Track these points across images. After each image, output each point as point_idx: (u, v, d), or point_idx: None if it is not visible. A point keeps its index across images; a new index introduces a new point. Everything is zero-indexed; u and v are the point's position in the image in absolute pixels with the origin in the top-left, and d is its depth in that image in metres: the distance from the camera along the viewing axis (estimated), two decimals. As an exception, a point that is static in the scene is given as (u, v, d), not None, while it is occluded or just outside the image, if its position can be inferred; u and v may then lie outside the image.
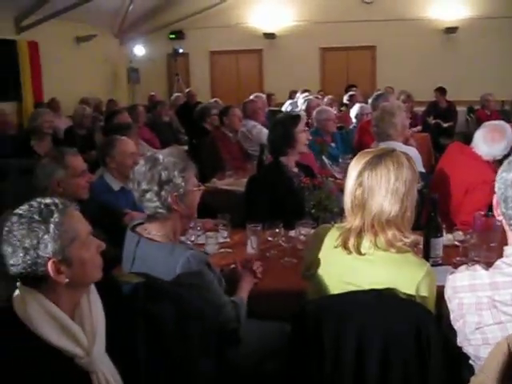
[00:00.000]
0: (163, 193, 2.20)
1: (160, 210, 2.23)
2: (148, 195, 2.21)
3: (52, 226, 1.52)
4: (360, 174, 1.98)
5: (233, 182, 4.82)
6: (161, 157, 2.25)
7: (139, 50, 13.19)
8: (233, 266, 2.69)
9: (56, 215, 1.54)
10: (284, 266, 2.80)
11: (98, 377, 1.59)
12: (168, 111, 7.65)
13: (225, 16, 12.61)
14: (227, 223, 3.16)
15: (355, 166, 2.02)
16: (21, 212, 1.55)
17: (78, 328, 1.58)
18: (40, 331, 1.52)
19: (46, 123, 5.56)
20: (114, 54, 12.90)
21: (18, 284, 1.58)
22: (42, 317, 1.53)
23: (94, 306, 1.65)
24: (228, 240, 3.14)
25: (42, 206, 1.56)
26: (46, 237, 1.51)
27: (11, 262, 1.51)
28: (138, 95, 12.60)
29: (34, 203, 1.57)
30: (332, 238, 2.09)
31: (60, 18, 9.56)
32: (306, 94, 9.05)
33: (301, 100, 8.12)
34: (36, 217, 1.53)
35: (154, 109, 7.61)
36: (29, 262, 1.50)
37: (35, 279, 1.54)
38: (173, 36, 13.31)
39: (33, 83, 9.64)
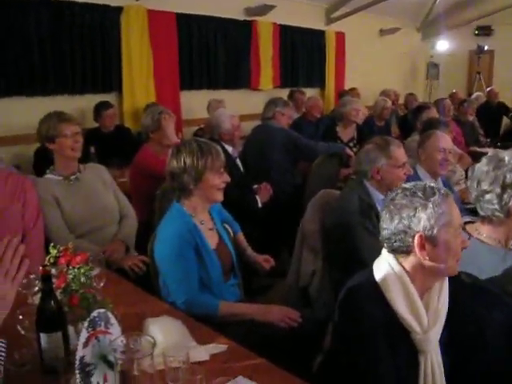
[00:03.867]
0: (505, 196, 2.11)
1: (497, 214, 2.14)
2: (488, 196, 2.14)
3: (431, 204, 1.67)
4: None
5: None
6: (506, 158, 2.15)
7: (441, 45, 12.87)
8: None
9: (437, 197, 1.68)
10: None
11: (426, 358, 1.71)
12: (473, 110, 7.33)
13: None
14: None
15: None
16: (407, 186, 1.74)
17: (423, 309, 1.71)
18: (391, 296, 1.71)
19: (353, 111, 5.79)
20: (415, 48, 12.79)
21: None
22: (396, 287, 1.72)
23: (442, 295, 1.75)
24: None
25: (427, 186, 1.72)
26: (422, 212, 1.67)
27: (384, 225, 1.74)
28: (436, 91, 12.32)
29: (420, 183, 1.75)
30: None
31: (366, 11, 9.79)
32: None
33: None
34: (419, 193, 1.70)
35: (461, 106, 7.36)
36: (400, 229, 1.70)
37: (400, 249, 1.73)
38: (478, 32, 12.69)
39: (336, 72, 10.07)
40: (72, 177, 3.22)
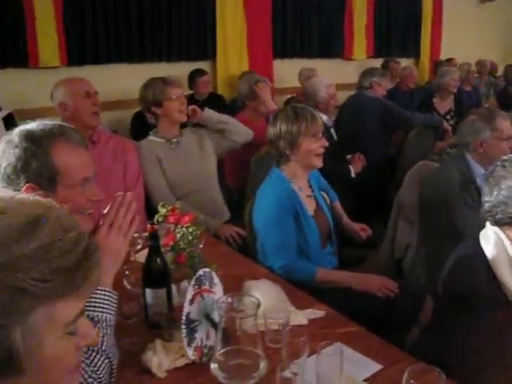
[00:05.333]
0: None
1: None
2: None
3: None
4: None
5: None
6: None
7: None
8: None
9: None
10: None
11: None
12: None
13: None
14: None
15: None
16: (506, 158, 1.76)
17: None
18: (498, 266, 1.71)
19: (452, 81, 5.57)
20: (517, 17, 12.08)
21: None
22: (503, 257, 1.71)
23: None
24: None
25: None
26: None
27: (486, 198, 1.76)
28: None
29: None
30: None
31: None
32: None
33: None
34: None
35: None
36: (500, 200, 1.70)
37: (502, 221, 1.72)
38: None
39: (432, 41, 9.69)
40: (174, 140, 3.30)
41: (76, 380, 0.93)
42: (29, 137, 1.53)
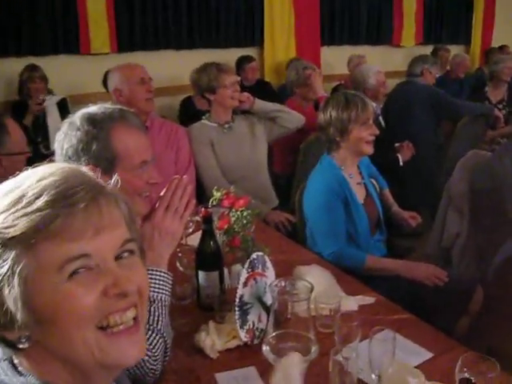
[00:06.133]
0: None
1: None
2: None
3: None
4: None
5: None
6: None
7: None
8: None
9: None
10: None
11: None
12: None
13: None
14: None
15: None
16: None
17: None
18: None
19: (506, 69, 5.43)
20: None
21: None
22: None
23: None
24: None
25: None
26: None
27: None
28: None
29: None
30: None
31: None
32: None
33: None
34: None
35: None
36: None
37: None
38: None
39: (484, 27, 9.44)
40: (226, 125, 3.35)
41: (123, 344, 0.86)
42: (90, 120, 1.57)
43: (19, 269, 0.78)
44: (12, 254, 0.78)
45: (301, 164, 3.58)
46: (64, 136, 1.58)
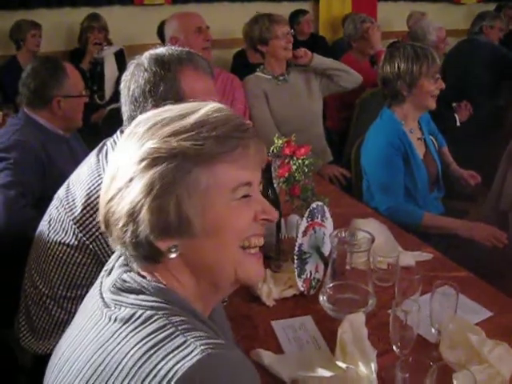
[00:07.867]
0: None
1: None
2: None
3: None
4: None
5: None
6: None
7: None
8: None
9: None
10: None
11: None
12: None
13: None
14: None
15: None
16: None
17: None
18: None
19: None
20: None
21: None
22: None
23: None
24: None
25: None
26: None
27: None
28: None
29: None
30: None
31: None
32: None
33: None
34: None
35: None
36: None
37: None
38: None
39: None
40: (280, 77, 3.31)
41: (256, 264, 0.99)
42: (158, 61, 1.55)
43: (199, 182, 0.88)
44: (195, 168, 0.87)
45: (356, 120, 3.52)
46: (131, 77, 1.56)
